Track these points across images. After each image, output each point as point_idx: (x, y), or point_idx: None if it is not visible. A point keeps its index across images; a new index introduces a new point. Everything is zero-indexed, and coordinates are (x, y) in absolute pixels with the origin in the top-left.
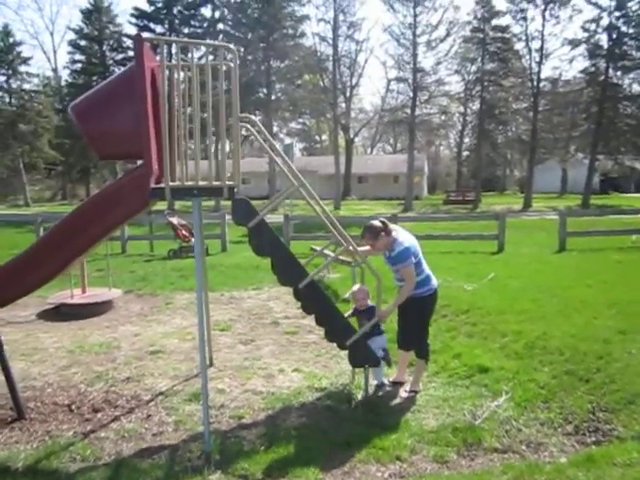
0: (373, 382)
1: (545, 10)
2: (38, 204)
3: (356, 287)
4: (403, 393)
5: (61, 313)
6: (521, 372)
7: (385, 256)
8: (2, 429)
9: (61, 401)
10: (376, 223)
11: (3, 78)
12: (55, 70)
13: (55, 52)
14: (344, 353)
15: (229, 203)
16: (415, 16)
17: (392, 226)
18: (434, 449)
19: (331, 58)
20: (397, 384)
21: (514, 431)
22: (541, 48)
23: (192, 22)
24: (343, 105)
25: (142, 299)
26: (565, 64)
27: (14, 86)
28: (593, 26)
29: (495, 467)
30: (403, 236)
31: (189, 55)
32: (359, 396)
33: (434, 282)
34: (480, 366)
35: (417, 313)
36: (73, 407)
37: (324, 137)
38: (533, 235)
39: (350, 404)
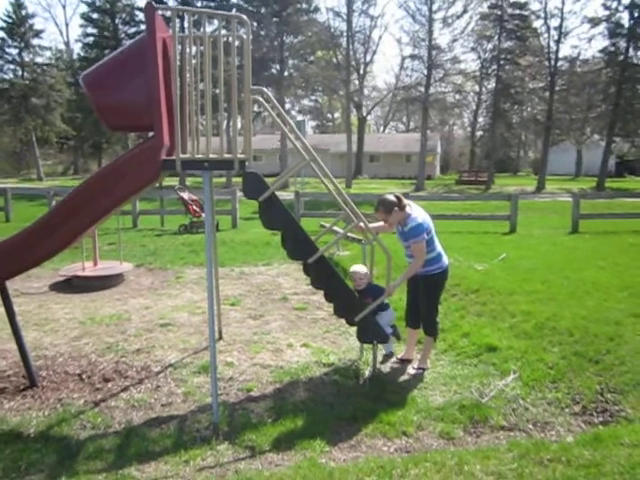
0: (382, 352)
1: None
2: (51, 178)
3: (354, 268)
4: (411, 370)
5: (73, 285)
6: (530, 352)
7: (398, 231)
8: (15, 396)
9: (72, 370)
10: (390, 197)
11: (15, 51)
12: (67, 43)
13: (67, 25)
14: (353, 329)
15: (240, 180)
16: None
17: (406, 201)
18: (440, 425)
19: (345, 34)
20: (405, 361)
21: (521, 410)
22: (560, 26)
23: None
24: (356, 82)
25: (153, 273)
26: (584, 43)
27: (26, 59)
28: (614, 4)
29: (501, 444)
30: (417, 212)
31: (201, 30)
32: (367, 372)
33: (445, 260)
34: (488, 345)
35: (427, 290)
36: (84, 376)
37: (336, 115)
38: (546, 217)
39: (357, 380)
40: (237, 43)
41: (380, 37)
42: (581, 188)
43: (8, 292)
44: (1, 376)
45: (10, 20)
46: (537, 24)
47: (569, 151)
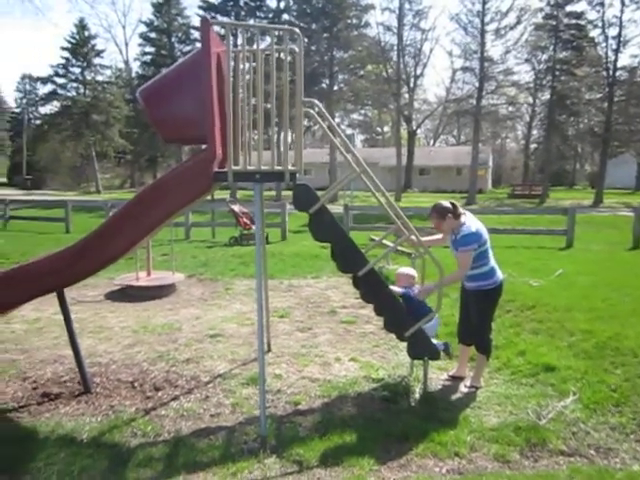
0: (432, 375)
1: None
2: (108, 191)
3: (401, 270)
4: (463, 388)
5: (127, 294)
6: (590, 373)
7: (450, 240)
8: (70, 401)
9: (125, 378)
10: (445, 203)
11: (78, 70)
12: (126, 62)
13: (127, 45)
14: (402, 344)
15: (290, 194)
16: (484, 3)
17: (462, 210)
18: (495, 447)
19: (395, 48)
20: (457, 378)
21: (582, 434)
22: (618, 35)
23: (258, 13)
24: (406, 96)
25: (203, 284)
26: None
27: (88, 78)
28: None
29: (561, 470)
30: (472, 222)
31: (254, 46)
32: (417, 389)
33: (499, 275)
34: (546, 364)
35: (479, 306)
36: (136, 384)
37: (386, 129)
38: (604, 232)
39: (407, 396)
40: (289, 58)
41: (431, 50)
42: None
43: (66, 300)
44: (58, 381)
45: (74, 41)
46: (594, 33)
47: (629, 163)
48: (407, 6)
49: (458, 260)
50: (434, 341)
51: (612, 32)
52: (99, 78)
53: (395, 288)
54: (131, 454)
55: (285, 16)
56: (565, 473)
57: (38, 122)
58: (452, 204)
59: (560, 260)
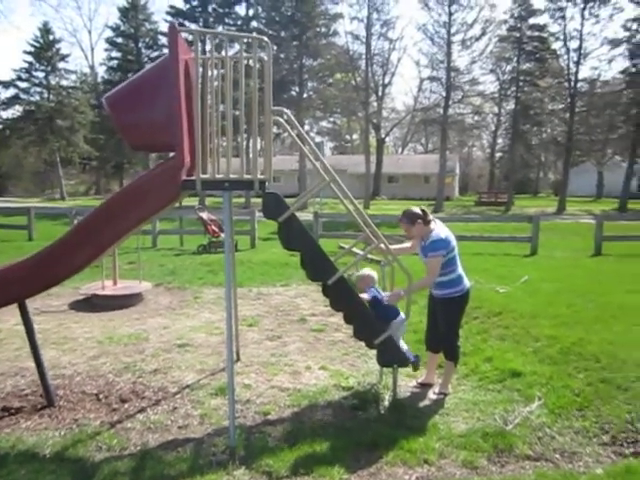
0: (401, 382)
1: (584, 9)
2: (73, 198)
3: (360, 273)
4: (432, 395)
5: (92, 304)
6: (555, 378)
7: (420, 246)
8: (32, 415)
9: (89, 390)
10: (415, 209)
11: (42, 74)
12: (92, 67)
13: (92, 49)
14: (372, 352)
15: (259, 201)
16: (450, 14)
17: (432, 217)
18: (463, 454)
19: (364, 57)
20: (426, 385)
21: (547, 438)
22: (579, 48)
23: (226, 20)
24: (375, 104)
25: (171, 292)
26: (604, 64)
27: (52, 82)
28: (635, 25)
29: (527, 475)
30: (441, 229)
31: (223, 53)
32: (386, 396)
33: (466, 282)
34: (512, 370)
35: (447, 314)
36: (101, 396)
37: (355, 136)
38: (567, 239)
39: (377, 404)
40: (258, 65)
41: (399, 59)
42: (603, 210)
43: (27, 310)
44: (19, 395)
45: (38, 45)
46: (556, 46)
47: (590, 172)
48: (375, 16)
49: (427, 266)
50: (405, 350)
51: (573, 45)
52: (64, 83)
53: (363, 295)
54: (96, 469)
55: (254, 23)
56: (531, 478)
57: None
58: (422, 211)
59: (525, 267)
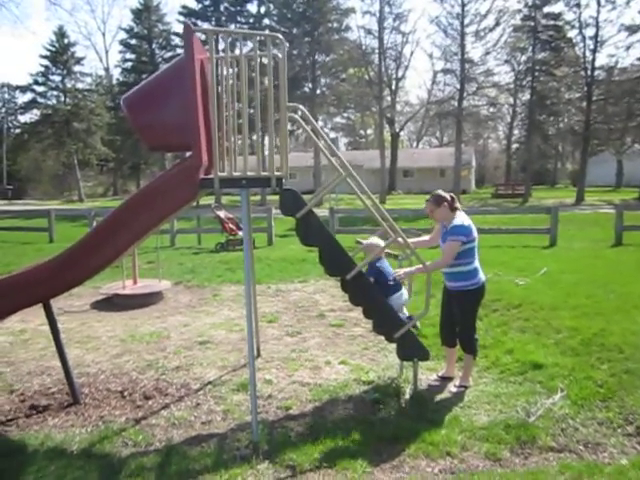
0: (421, 376)
1: None
2: (91, 199)
3: (368, 241)
4: (452, 388)
5: (114, 303)
6: (577, 369)
7: (441, 234)
8: (59, 413)
9: (114, 388)
10: (444, 193)
11: (58, 78)
12: (107, 69)
13: (107, 52)
14: (392, 346)
15: (275, 198)
16: (463, 6)
17: (459, 205)
18: (486, 446)
19: (376, 51)
20: (446, 379)
21: (571, 430)
22: (595, 35)
23: (238, 18)
24: (388, 98)
25: (190, 291)
26: (621, 51)
27: (68, 85)
28: None
29: (551, 466)
30: (465, 218)
31: (237, 51)
32: (407, 390)
33: (482, 276)
34: (533, 362)
35: (462, 307)
36: (125, 394)
37: (369, 131)
38: (586, 229)
39: (398, 398)
40: (272, 62)
41: (412, 53)
42: (623, 199)
43: (52, 310)
44: (46, 393)
45: (53, 49)
46: (572, 34)
47: (609, 162)
48: (387, 9)
49: (444, 249)
50: (403, 314)
51: (589, 32)
52: (79, 86)
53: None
54: (123, 464)
55: (266, 21)
56: (555, 469)
57: (18, 131)
58: (451, 196)
59: (544, 259)
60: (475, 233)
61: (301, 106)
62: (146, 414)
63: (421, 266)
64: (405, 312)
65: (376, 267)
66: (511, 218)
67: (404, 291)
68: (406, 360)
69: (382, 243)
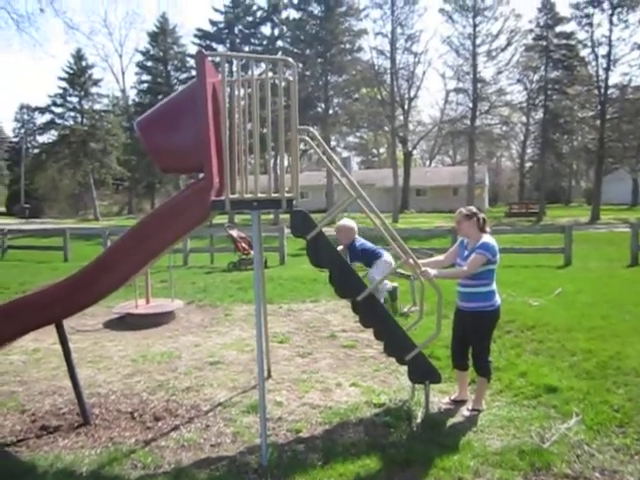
0: (433, 399)
1: (612, 15)
2: (106, 218)
3: (339, 223)
4: (465, 412)
5: (126, 323)
6: (593, 393)
7: (462, 248)
8: (69, 434)
9: (124, 408)
10: (476, 210)
11: (76, 99)
12: (123, 90)
13: (123, 73)
14: (403, 368)
15: (288, 217)
16: (475, 26)
17: (488, 229)
18: (499, 472)
19: (389, 71)
20: (459, 402)
21: (586, 456)
22: (608, 54)
23: (252, 40)
24: (401, 117)
25: (202, 310)
26: (635, 69)
27: (86, 107)
28: None
29: None
30: (493, 240)
31: (249, 73)
32: (419, 413)
33: (498, 299)
34: (548, 385)
35: (478, 329)
36: (135, 415)
37: (382, 150)
38: (602, 249)
39: (410, 421)
40: (284, 84)
41: (424, 72)
42: (638, 218)
43: (64, 330)
44: (57, 413)
45: (71, 71)
46: (584, 53)
47: (624, 180)
48: (399, 30)
49: (470, 260)
50: (385, 284)
51: (602, 51)
52: (96, 107)
53: (339, 248)
54: None
55: (279, 43)
56: None
57: (36, 151)
58: (483, 217)
59: (559, 279)
60: (498, 256)
61: (311, 128)
62: (156, 436)
63: (454, 270)
64: (387, 284)
65: (358, 249)
66: (525, 237)
67: (387, 256)
68: (418, 383)
69: (352, 223)
